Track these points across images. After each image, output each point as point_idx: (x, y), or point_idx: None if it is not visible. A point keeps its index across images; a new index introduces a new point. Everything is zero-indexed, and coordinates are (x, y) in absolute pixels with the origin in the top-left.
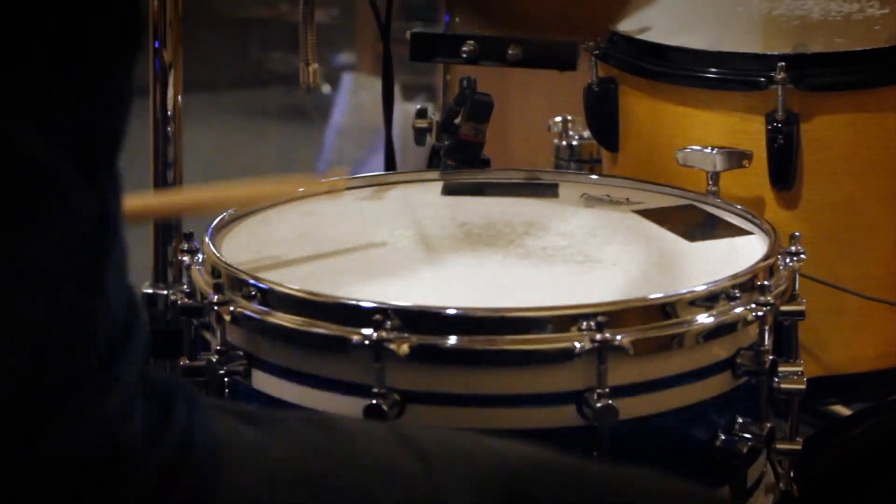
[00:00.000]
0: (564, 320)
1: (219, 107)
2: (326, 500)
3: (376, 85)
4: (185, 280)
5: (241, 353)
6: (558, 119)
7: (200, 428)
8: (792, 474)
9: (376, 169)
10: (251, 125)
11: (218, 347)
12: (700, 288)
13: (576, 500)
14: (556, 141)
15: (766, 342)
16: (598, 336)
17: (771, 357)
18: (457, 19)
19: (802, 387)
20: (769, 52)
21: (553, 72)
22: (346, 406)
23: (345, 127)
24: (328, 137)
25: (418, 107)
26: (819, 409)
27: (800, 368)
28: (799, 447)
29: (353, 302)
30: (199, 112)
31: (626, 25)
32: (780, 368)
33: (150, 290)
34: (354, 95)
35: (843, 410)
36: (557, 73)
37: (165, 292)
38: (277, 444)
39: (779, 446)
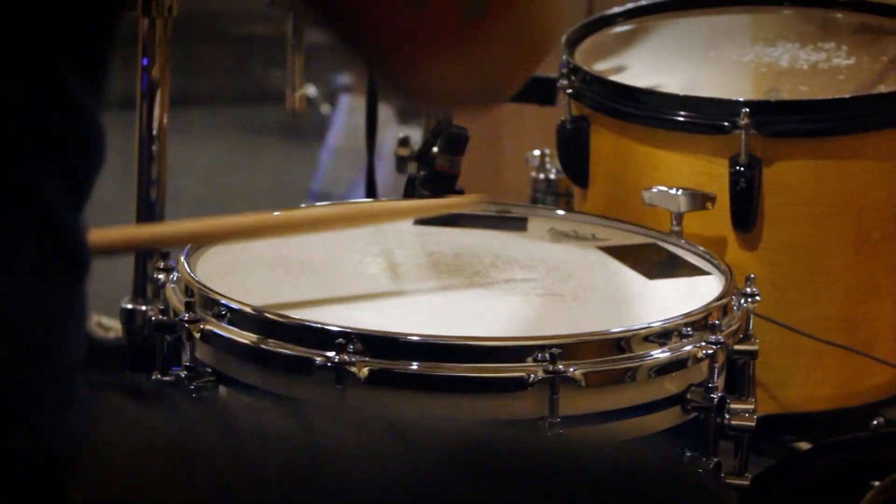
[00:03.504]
0: (519, 351)
1: (218, 122)
2: (201, 467)
3: None
4: (161, 297)
5: (209, 369)
6: (536, 153)
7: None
8: None
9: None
10: (249, 142)
11: (186, 363)
12: (653, 324)
13: (472, 465)
14: (533, 174)
15: (716, 379)
16: (552, 367)
17: (720, 394)
18: None
19: (752, 424)
20: (734, 98)
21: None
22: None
23: (340, 148)
24: (323, 158)
25: (400, 135)
26: (786, 446)
27: (751, 406)
28: (747, 482)
29: (319, 325)
30: (199, 127)
31: (601, 65)
32: (732, 406)
33: (130, 306)
34: (351, 117)
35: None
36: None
37: (144, 308)
38: (157, 416)
39: (728, 481)
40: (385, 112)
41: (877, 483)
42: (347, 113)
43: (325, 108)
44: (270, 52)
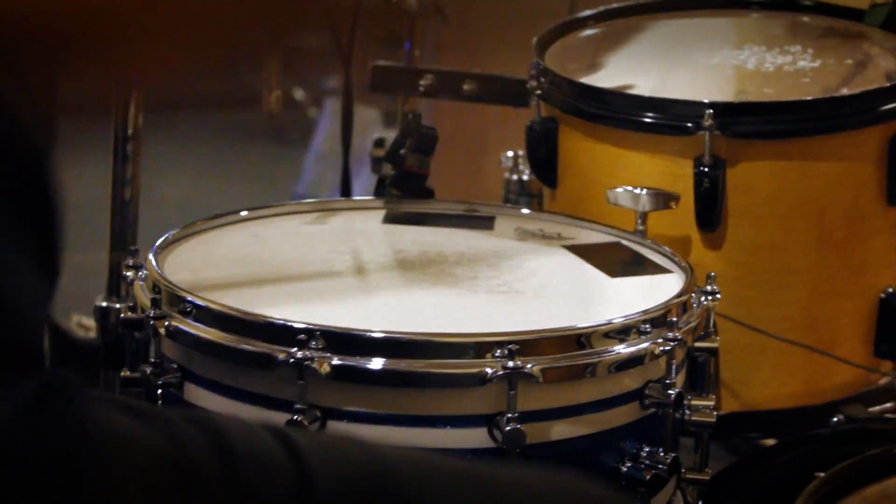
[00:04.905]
0: (478, 347)
1: (205, 125)
2: (198, 487)
3: (360, 111)
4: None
5: (175, 365)
6: (510, 154)
7: (75, 416)
8: (700, 503)
9: (354, 194)
10: (235, 145)
11: (153, 360)
12: (611, 321)
13: (449, 495)
14: (506, 175)
15: (674, 376)
16: (510, 363)
17: (677, 390)
18: (416, 52)
19: (712, 420)
20: (699, 100)
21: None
22: (271, 420)
23: (325, 151)
24: (308, 161)
25: (375, 136)
26: (753, 443)
27: (711, 403)
28: (707, 477)
29: (282, 322)
30: (183, 130)
31: (572, 67)
32: (693, 402)
33: (104, 304)
34: (336, 121)
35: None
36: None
37: (118, 306)
38: (155, 434)
39: (688, 476)
40: (368, 115)
41: (821, 474)
42: (332, 117)
43: (312, 112)
44: (257, 55)
